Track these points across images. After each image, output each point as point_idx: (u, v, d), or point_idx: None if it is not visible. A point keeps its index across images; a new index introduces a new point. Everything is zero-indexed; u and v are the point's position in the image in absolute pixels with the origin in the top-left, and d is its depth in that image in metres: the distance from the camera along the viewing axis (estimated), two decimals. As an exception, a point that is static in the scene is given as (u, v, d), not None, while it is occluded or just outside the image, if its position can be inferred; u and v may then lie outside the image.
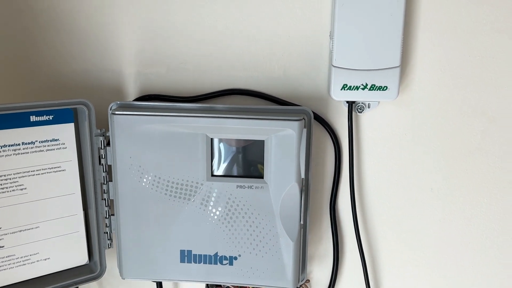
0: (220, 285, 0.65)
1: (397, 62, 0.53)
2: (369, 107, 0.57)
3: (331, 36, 0.54)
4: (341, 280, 0.64)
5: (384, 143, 0.59)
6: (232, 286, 0.63)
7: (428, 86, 0.57)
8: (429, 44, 0.56)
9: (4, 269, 0.54)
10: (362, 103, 0.57)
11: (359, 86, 0.54)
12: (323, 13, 0.56)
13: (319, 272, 0.64)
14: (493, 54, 0.55)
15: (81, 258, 0.59)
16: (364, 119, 0.59)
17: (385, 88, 0.54)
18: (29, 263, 0.56)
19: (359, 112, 0.58)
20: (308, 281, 0.64)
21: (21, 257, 0.55)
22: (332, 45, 0.54)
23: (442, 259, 0.62)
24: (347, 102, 0.56)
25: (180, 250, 0.56)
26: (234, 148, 0.54)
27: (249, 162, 0.54)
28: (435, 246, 0.62)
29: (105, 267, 0.60)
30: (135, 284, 0.66)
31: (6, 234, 0.54)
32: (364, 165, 0.60)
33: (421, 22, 0.55)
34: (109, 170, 0.57)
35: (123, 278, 0.58)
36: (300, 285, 0.62)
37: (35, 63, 0.60)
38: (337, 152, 0.59)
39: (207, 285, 0.66)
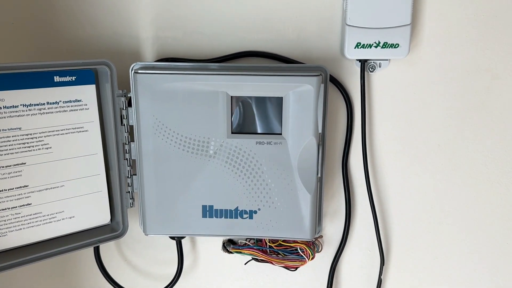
0: (235, 242, 0.68)
1: (408, 20, 0.55)
2: (380, 66, 0.60)
3: (344, -3, 0.57)
4: (352, 236, 0.67)
5: (394, 101, 0.62)
6: (249, 240, 0.66)
7: (435, 45, 0.59)
8: (437, 2, 0.58)
9: (32, 226, 0.56)
10: (373, 62, 0.59)
11: (372, 44, 0.56)
12: (336, -25, 0.58)
13: (331, 228, 0.67)
14: (496, 13, 0.58)
15: (104, 217, 0.61)
16: (375, 79, 0.61)
17: (396, 45, 0.56)
18: (55, 221, 0.58)
19: (370, 71, 0.60)
20: (321, 236, 0.67)
21: (48, 215, 0.57)
22: (345, 5, 0.56)
23: (450, 215, 0.65)
24: (360, 60, 0.59)
25: (202, 206, 0.59)
26: (253, 106, 0.56)
27: (267, 119, 0.56)
28: (442, 203, 0.65)
29: (127, 226, 0.62)
30: (153, 242, 0.68)
31: (33, 192, 0.55)
32: (375, 123, 0.63)
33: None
34: (130, 131, 0.59)
35: (146, 234, 0.60)
36: (315, 239, 0.65)
37: (52, 27, 0.61)
38: (349, 111, 0.62)
39: (224, 243, 0.68)
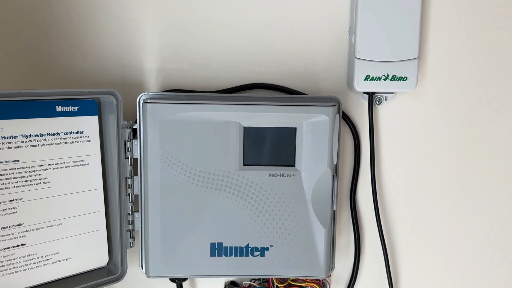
0: (238, 284, 0.64)
1: (415, 54, 0.57)
2: (386, 99, 0.61)
3: (351, 32, 0.58)
4: (361, 274, 0.65)
5: (399, 134, 0.62)
6: (255, 281, 0.62)
7: (439, 78, 0.61)
8: (440, 37, 0.60)
9: (25, 270, 0.51)
10: (380, 95, 0.60)
11: (381, 77, 0.57)
12: (341, 10, 0.59)
13: (339, 265, 0.64)
14: (495, 50, 0.61)
15: (101, 258, 0.56)
16: (382, 111, 0.62)
17: (405, 78, 0.57)
18: (49, 263, 0.52)
19: (377, 104, 0.61)
20: (329, 275, 0.64)
21: (42, 257, 0.52)
22: (354, 39, 0.57)
23: (459, 250, 0.65)
24: (368, 93, 0.59)
25: (211, 243, 0.55)
26: (266, 137, 0.55)
27: (280, 150, 0.55)
28: (451, 237, 0.64)
29: (126, 268, 0.57)
30: (153, 284, 0.63)
31: (28, 230, 0.51)
32: (381, 157, 0.63)
33: (433, 17, 0.60)
34: (134, 164, 0.56)
35: (149, 277, 0.56)
36: (324, 278, 0.62)
37: (54, 58, 0.58)
38: (357, 144, 0.62)
39: (225, 286, 0.64)
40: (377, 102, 0.60)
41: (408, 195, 0.63)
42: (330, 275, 0.64)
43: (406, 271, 0.65)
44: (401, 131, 0.62)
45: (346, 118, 0.61)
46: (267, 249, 0.55)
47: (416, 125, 0.62)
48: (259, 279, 0.63)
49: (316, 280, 0.60)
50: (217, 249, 0.55)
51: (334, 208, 0.55)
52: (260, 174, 0.54)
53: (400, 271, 0.65)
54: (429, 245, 0.64)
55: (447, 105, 0.62)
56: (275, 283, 0.61)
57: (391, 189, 0.63)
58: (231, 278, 0.64)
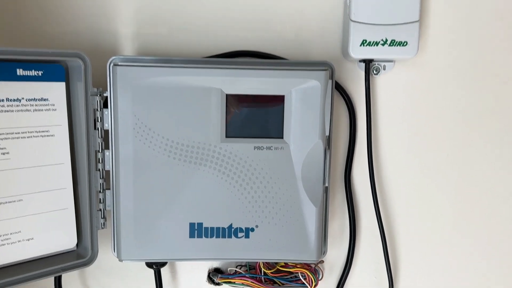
0: (222, 272, 0.59)
1: (416, 17, 0.52)
2: (384, 69, 0.55)
3: (347, -7, 0.52)
4: (357, 260, 0.59)
5: (399, 107, 0.57)
6: (241, 267, 0.57)
7: (442, 46, 0.56)
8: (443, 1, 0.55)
9: (-21, 250, 0.45)
10: (377, 64, 0.55)
11: (379, 42, 0.52)
12: (336, -29, 0.54)
13: (333, 251, 0.59)
14: (504, 14, 0.55)
15: (69, 240, 0.51)
16: (380, 82, 0.56)
17: (405, 43, 0.52)
18: (8, 244, 0.47)
19: (375, 74, 0.55)
20: (321, 261, 0.59)
21: (0, 236, 0.46)
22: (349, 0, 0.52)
23: (462, 231, 0.59)
24: (364, 61, 0.54)
25: (190, 224, 0.50)
26: (251, 105, 0.49)
27: (267, 121, 0.50)
28: (454, 218, 0.59)
29: (97, 251, 0.52)
30: (127, 272, 0.58)
31: (-17, 206, 0.45)
32: (379, 131, 0.57)
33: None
34: (105, 137, 0.51)
35: (121, 260, 0.50)
36: (316, 264, 0.57)
37: (21, 22, 0.53)
38: (352, 118, 0.56)
39: (209, 273, 0.59)
40: (374, 71, 0.55)
41: (408, 174, 0.58)
42: (323, 261, 0.59)
43: (406, 257, 0.60)
44: (401, 104, 0.57)
45: (340, 90, 0.56)
46: (252, 230, 0.50)
47: (417, 97, 0.57)
48: (245, 265, 0.57)
49: (307, 265, 0.55)
50: (196, 230, 0.50)
51: (327, 185, 0.50)
52: (244, 147, 0.49)
53: (400, 257, 0.60)
54: (431, 228, 0.59)
55: (451, 75, 0.56)
56: (263, 269, 0.55)
57: (389, 168, 0.58)
58: (214, 265, 0.59)
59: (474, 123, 0.57)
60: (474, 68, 0.56)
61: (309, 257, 0.50)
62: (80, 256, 0.51)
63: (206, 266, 0.59)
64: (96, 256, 0.52)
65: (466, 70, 0.56)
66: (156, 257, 0.50)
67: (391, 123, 0.57)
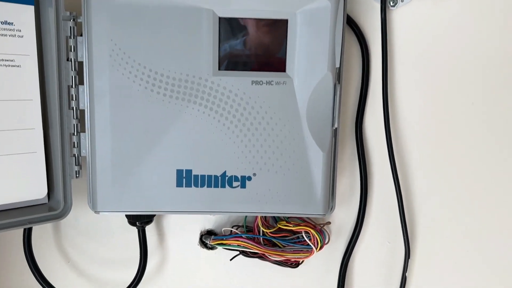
0: (215, 233, 0.52)
1: None
2: (402, 0, 0.48)
3: None
4: (368, 223, 0.52)
5: (419, 47, 0.49)
6: (237, 228, 0.50)
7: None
8: None
9: None
10: (396, -7, 0.48)
11: (398, -37, 0.45)
12: None
13: (341, 212, 0.52)
14: None
15: (38, 189, 0.44)
16: (397, 17, 0.49)
17: (428, -35, 0.45)
18: (-37, 189, 0.40)
19: (391, 6, 0.48)
20: (328, 223, 0.52)
21: (-47, 179, 0.40)
22: None
23: (489, 192, 0.52)
24: (380, -12, 0.47)
25: (177, 171, 0.43)
26: (248, 32, 0.42)
27: (267, 51, 0.42)
28: (479, 177, 0.52)
29: (71, 204, 0.45)
30: (106, 230, 0.51)
31: None
32: (396, 75, 0.50)
33: None
34: (79, 70, 0.44)
35: (97, 212, 0.44)
36: (322, 226, 0.50)
37: None
38: (365, 58, 0.49)
39: (201, 236, 0.52)
40: (391, 2, 0.48)
41: (428, 124, 0.51)
42: (330, 223, 0.52)
43: (425, 220, 0.53)
44: (421, 43, 0.49)
45: (352, 25, 0.49)
46: (249, 178, 0.43)
47: (440, 35, 0.49)
48: (242, 225, 0.50)
49: (312, 224, 0.48)
50: (185, 178, 0.43)
51: (336, 126, 0.43)
52: (240, 82, 0.42)
53: (418, 220, 0.53)
54: (455, 185, 0.52)
55: (480, 10, 0.49)
56: (261, 228, 0.48)
57: (407, 116, 0.51)
58: (207, 226, 0.52)
59: (504, 66, 0.50)
60: (506, 6, 0.49)
61: (315, 210, 0.43)
62: (51, 209, 0.45)
63: (198, 227, 0.52)
64: (70, 210, 0.45)
65: (497, 5, 0.49)
66: (137, 209, 0.43)
67: (410, 65, 0.50)
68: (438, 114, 0.51)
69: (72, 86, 0.44)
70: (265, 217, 0.49)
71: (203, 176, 0.43)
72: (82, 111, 0.44)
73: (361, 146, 0.50)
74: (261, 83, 0.42)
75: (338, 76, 0.42)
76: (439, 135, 0.51)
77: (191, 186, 0.43)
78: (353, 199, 0.52)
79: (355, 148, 0.51)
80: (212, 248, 0.52)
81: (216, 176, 0.43)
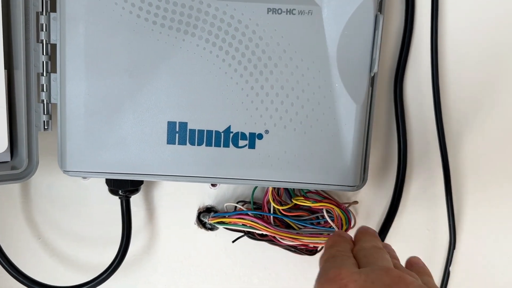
0: (215, 210, 0.43)
1: None
2: None
3: None
4: (405, 205, 0.43)
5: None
6: (243, 204, 0.41)
7: None
8: None
9: None
10: None
11: None
12: None
13: (370, 191, 0.42)
14: None
15: (-5, 142, 0.35)
16: None
17: None
18: None
19: None
20: (355, 202, 0.42)
21: None
22: None
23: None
24: None
25: (168, 123, 0.34)
26: None
27: (289, -28, 0.33)
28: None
29: (37, 162, 0.36)
30: (82, 198, 0.42)
31: None
32: (447, 20, 0.40)
33: None
34: (51, -6, 0.35)
35: (65, 172, 0.35)
36: (348, 206, 0.41)
37: None
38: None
39: (199, 213, 0.43)
40: None
41: (486, 88, 0.41)
42: (357, 202, 0.42)
43: (475, 204, 0.43)
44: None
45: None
46: (260, 136, 0.34)
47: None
48: (249, 202, 0.41)
49: (335, 201, 0.39)
50: (178, 133, 0.34)
51: (376, 71, 0.33)
52: (253, 8, 0.32)
53: (466, 203, 0.43)
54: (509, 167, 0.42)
55: None
56: (272, 204, 0.39)
57: (462, 71, 0.41)
58: (206, 202, 0.43)
59: None
60: None
61: (344, 180, 0.34)
62: (13, 167, 0.36)
63: (195, 202, 0.43)
64: (35, 169, 0.36)
65: None
66: (117, 170, 0.34)
67: (463, 12, 0.40)
68: (500, 74, 0.41)
69: (41, 13, 0.35)
70: (278, 190, 0.39)
71: (201, 132, 0.34)
72: (54, 46, 0.35)
73: (400, 108, 0.41)
74: (279, 11, 0.32)
75: (380, 4, 0.33)
76: (501, 101, 0.41)
77: (185, 144, 0.34)
78: (387, 175, 0.42)
79: (393, 110, 0.41)
80: (211, 228, 0.43)
81: (217, 132, 0.34)
